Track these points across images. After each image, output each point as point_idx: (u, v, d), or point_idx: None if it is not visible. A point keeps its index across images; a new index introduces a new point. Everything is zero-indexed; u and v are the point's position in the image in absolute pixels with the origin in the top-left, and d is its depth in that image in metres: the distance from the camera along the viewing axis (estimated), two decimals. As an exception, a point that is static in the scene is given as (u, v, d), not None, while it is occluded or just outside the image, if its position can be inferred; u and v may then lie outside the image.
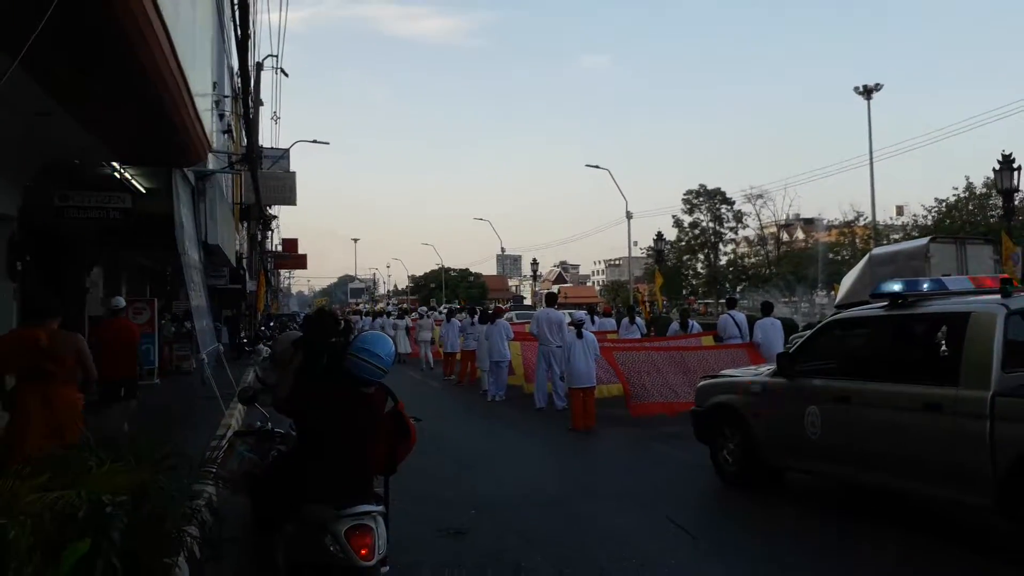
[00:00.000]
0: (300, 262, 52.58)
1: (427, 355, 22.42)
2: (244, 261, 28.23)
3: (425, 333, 22.79)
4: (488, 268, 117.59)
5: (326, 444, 3.77)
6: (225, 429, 9.07)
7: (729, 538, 5.93)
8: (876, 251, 17.48)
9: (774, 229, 62.31)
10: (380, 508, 3.71)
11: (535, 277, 58.78)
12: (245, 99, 14.19)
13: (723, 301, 21.00)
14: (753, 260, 63.31)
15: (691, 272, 65.29)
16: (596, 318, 18.23)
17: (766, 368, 7.88)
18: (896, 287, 6.33)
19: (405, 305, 53.21)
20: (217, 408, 10.64)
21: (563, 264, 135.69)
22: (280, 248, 49.07)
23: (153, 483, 3.54)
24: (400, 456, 4.12)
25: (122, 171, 10.14)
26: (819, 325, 7.86)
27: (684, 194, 63.72)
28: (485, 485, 7.70)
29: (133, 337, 9.60)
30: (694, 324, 17.49)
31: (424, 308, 34.01)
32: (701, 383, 8.40)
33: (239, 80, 15.73)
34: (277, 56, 41.87)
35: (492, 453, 9.52)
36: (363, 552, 3.42)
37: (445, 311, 23.68)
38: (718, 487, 7.51)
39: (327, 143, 46.30)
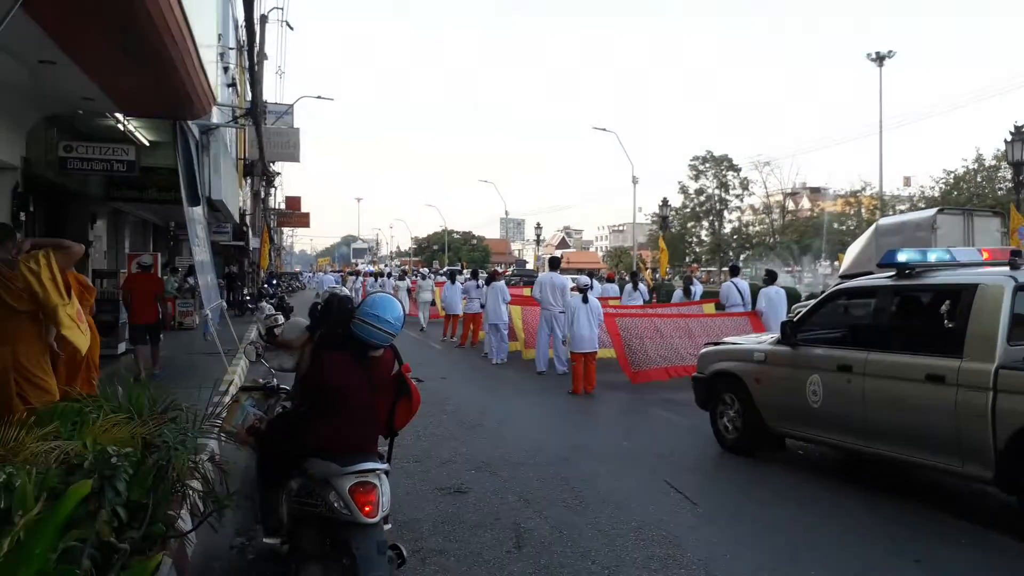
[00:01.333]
0: (303, 220, 52.57)
1: (425, 316, 22.57)
2: (247, 218, 28.16)
3: (425, 294, 22.86)
4: (491, 231, 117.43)
5: (334, 402, 3.77)
6: (228, 385, 9.11)
7: (727, 503, 5.97)
8: (882, 221, 17.38)
9: (780, 197, 61.95)
10: (385, 466, 3.72)
11: (538, 241, 58.74)
12: (251, 51, 14.02)
13: (726, 269, 21.01)
14: (758, 228, 63.05)
15: (695, 239, 65.02)
16: (598, 284, 18.22)
17: (769, 336, 7.88)
18: (904, 257, 6.29)
19: (406, 267, 53.27)
20: (220, 364, 10.68)
21: (567, 229, 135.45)
22: (283, 206, 48.97)
23: (158, 435, 3.55)
24: (401, 418, 4.07)
25: (126, 123, 10.06)
26: (824, 294, 7.83)
27: (690, 160, 63.18)
28: (485, 446, 7.75)
29: (158, 289, 11.39)
30: (697, 287, 17.49)
31: (425, 270, 34.32)
32: (704, 350, 8.41)
33: (243, 32, 15.53)
34: (282, 9, 41.34)
35: (492, 415, 9.57)
36: (367, 509, 3.44)
37: (446, 272, 23.87)
38: (717, 453, 7.55)
39: (331, 99, 45.97)
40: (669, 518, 5.52)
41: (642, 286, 18.26)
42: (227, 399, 5.09)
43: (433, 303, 22.67)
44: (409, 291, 26.02)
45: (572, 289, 12.81)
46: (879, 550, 4.93)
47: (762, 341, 7.67)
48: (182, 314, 18.24)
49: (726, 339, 8.81)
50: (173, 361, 12.16)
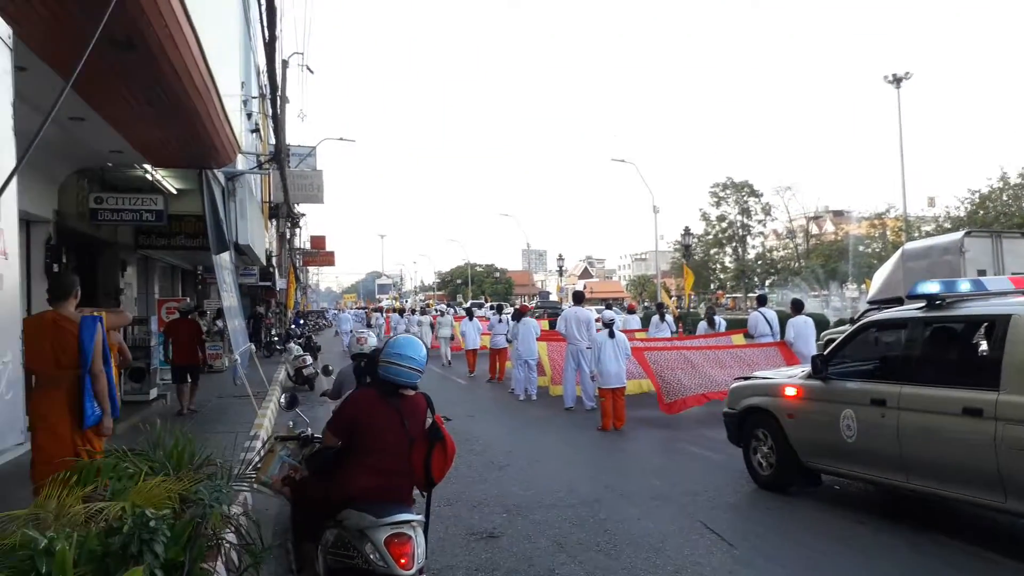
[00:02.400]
0: (328, 259, 53.15)
1: (447, 351, 22.97)
2: (274, 259, 28.48)
3: (445, 329, 23.29)
4: (513, 263, 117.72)
5: (364, 440, 3.82)
6: (258, 429, 9.17)
7: (763, 544, 5.85)
8: (909, 246, 17.16)
9: (803, 222, 61.57)
10: (420, 517, 3.72)
11: (561, 272, 58.70)
12: (274, 100, 14.32)
13: (753, 295, 20.84)
14: (782, 253, 62.65)
15: (719, 266, 64.70)
16: (618, 316, 18.15)
17: (800, 370, 7.79)
18: (933, 288, 6.20)
19: (431, 302, 53.58)
20: (250, 407, 10.74)
21: (589, 258, 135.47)
22: (308, 245, 49.53)
23: (194, 492, 3.58)
24: (438, 468, 4.04)
25: (153, 172, 10.26)
26: (854, 326, 7.74)
27: (711, 187, 63.20)
28: (515, 486, 7.69)
29: (197, 333, 12.27)
30: (720, 321, 17.36)
31: (443, 306, 34.99)
32: (734, 384, 8.32)
33: (266, 78, 15.86)
34: (302, 54, 42.24)
35: (522, 453, 9.50)
36: (403, 561, 3.44)
37: (466, 308, 24.43)
38: (752, 490, 7.43)
39: (353, 140, 46.68)
40: (705, 561, 5.43)
41: (669, 317, 18.17)
42: (263, 447, 5.13)
43: (453, 337, 23.01)
44: (432, 325, 26.33)
45: (597, 321, 12.78)
46: (923, 591, 4.81)
47: (793, 375, 7.58)
48: (211, 356, 18.38)
49: (756, 373, 8.73)
50: (204, 404, 12.27)
